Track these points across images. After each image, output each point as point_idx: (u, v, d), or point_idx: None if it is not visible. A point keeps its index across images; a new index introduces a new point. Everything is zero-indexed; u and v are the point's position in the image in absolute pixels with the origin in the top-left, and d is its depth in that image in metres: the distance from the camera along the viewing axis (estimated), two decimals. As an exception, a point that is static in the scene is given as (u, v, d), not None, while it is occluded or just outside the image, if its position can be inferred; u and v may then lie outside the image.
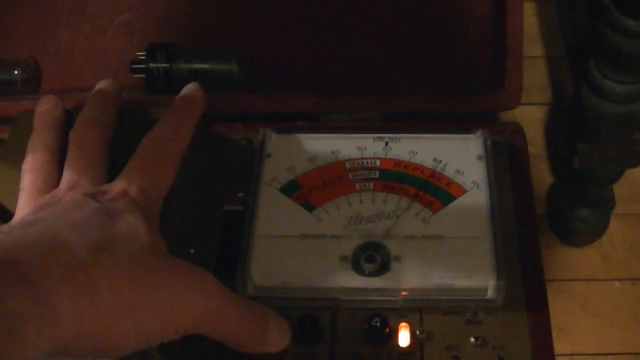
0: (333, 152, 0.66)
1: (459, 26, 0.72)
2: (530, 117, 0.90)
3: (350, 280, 0.58)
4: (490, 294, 0.57)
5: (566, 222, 0.81)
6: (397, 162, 0.65)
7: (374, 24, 0.73)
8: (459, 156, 0.64)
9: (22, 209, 0.55)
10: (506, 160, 0.66)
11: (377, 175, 0.64)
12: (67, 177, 0.56)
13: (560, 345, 0.77)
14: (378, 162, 0.65)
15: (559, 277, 0.82)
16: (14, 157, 0.65)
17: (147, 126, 0.65)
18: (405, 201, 0.62)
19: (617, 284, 0.82)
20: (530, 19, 0.97)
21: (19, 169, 0.63)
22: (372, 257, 0.59)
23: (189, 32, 0.75)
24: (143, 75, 0.73)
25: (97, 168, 0.57)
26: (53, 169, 0.58)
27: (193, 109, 0.62)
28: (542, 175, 0.88)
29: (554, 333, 0.64)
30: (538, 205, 0.79)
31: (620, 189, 0.86)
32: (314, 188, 0.64)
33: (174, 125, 0.60)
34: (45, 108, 0.63)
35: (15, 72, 0.76)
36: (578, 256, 0.84)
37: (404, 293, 0.58)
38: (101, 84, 0.65)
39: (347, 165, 0.65)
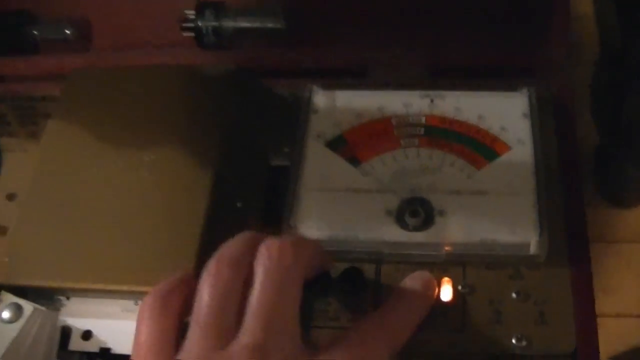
0: (379, 108, 0.66)
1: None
2: (579, 75, 0.90)
3: (394, 234, 0.59)
4: (533, 249, 0.57)
5: (613, 182, 0.81)
6: (443, 119, 0.65)
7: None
8: (504, 113, 0.65)
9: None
10: (552, 117, 0.66)
11: (422, 131, 0.65)
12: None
13: (605, 306, 0.77)
14: (423, 119, 0.65)
15: (605, 238, 0.82)
16: (66, 113, 0.67)
17: (198, 82, 0.67)
18: (450, 157, 0.63)
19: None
20: (580, -23, 0.96)
21: (72, 124, 0.65)
22: (416, 211, 0.59)
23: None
24: (192, 34, 0.74)
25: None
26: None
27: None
28: (588, 134, 0.88)
29: (599, 294, 0.65)
30: (584, 166, 0.79)
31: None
32: (360, 143, 0.64)
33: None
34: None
35: (67, 31, 0.78)
36: (625, 217, 0.84)
37: (447, 248, 0.58)
38: None
39: (393, 121, 0.65)
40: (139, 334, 0.48)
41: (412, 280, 0.57)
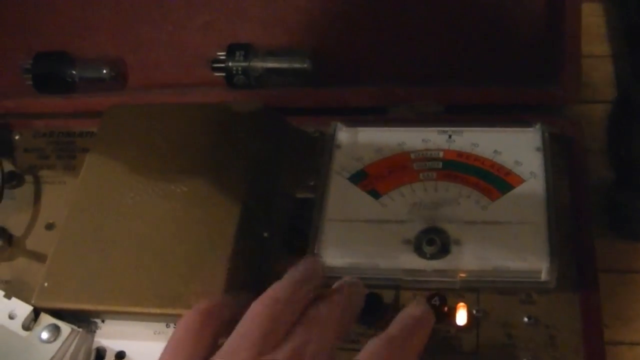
0: (399, 143, 0.69)
1: (521, 23, 0.74)
2: (597, 114, 0.91)
3: (412, 262, 0.62)
4: (544, 276, 0.59)
5: (624, 216, 0.83)
6: (460, 154, 0.68)
7: (436, 20, 0.75)
8: (518, 148, 0.67)
9: None
10: (564, 152, 0.68)
11: (440, 165, 0.67)
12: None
13: (620, 335, 0.78)
14: (441, 154, 0.68)
15: (620, 268, 0.83)
16: (103, 148, 0.70)
17: (227, 119, 0.70)
18: (466, 190, 0.65)
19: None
20: (597, 19, 0.98)
21: (108, 158, 0.68)
22: (433, 240, 0.62)
23: (263, 29, 0.79)
24: (223, 74, 0.77)
25: None
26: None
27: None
28: (606, 171, 0.89)
29: (614, 322, 0.66)
30: (601, 200, 0.80)
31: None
32: (380, 177, 0.67)
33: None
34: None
35: (104, 70, 0.81)
36: (638, 249, 0.85)
37: (462, 275, 0.61)
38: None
39: (412, 156, 0.68)
40: (172, 338, 0.50)
41: (412, 308, 0.57)
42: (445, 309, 0.60)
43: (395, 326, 0.54)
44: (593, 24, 0.95)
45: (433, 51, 0.76)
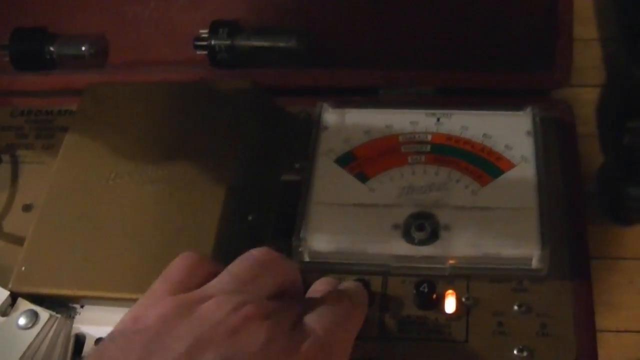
0: (387, 126, 0.68)
1: (512, 6, 0.73)
2: (584, 98, 0.91)
3: (400, 247, 0.60)
4: (535, 263, 0.59)
5: (616, 200, 0.82)
6: (449, 137, 0.66)
7: (429, 3, 0.74)
8: (509, 131, 0.66)
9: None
10: (555, 136, 0.67)
11: (428, 148, 0.66)
12: None
13: (606, 321, 0.78)
14: (430, 137, 0.67)
15: (609, 255, 0.83)
16: (82, 127, 0.69)
17: (213, 98, 0.68)
18: (455, 174, 0.64)
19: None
20: (585, 1, 0.98)
21: (88, 138, 0.67)
22: (422, 225, 0.61)
23: (252, 8, 0.77)
24: (205, 52, 0.76)
25: None
26: None
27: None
28: (594, 155, 0.89)
29: (601, 309, 0.66)
30: (589, 185, 0.80)
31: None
32: (368, 160, 0.66)
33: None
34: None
35: (83, 47, 0.78)
36: (628, 235, 0.85)
37: (451, 261, 0.60)
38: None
39: (400, 138, 0.67)
40: (166, 269, 0.51)
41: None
42: (434, 296, 0.59)
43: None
44: (580, 7, 0.94)
45: (425, 34, 0.75)
